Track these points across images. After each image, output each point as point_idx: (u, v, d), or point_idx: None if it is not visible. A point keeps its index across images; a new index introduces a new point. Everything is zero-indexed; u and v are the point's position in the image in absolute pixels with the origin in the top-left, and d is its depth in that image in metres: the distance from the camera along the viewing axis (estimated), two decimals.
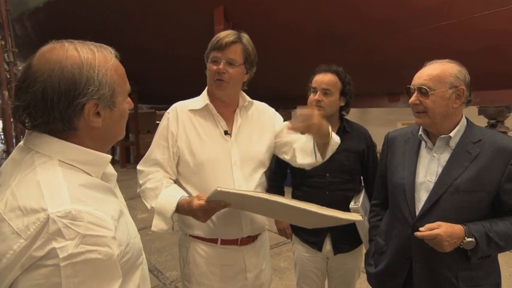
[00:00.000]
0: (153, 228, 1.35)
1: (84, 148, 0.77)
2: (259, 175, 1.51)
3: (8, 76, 5.53)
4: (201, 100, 1.49)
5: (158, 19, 5.87)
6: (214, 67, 1.40)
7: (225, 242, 1.46)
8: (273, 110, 1.64)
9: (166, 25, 5.88)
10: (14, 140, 4.98)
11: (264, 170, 1.56)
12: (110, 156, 0.83)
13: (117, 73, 0.79)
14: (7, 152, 4.83)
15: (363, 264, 1.78)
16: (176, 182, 1.49)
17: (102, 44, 0.81)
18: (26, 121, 0.74)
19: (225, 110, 1.49)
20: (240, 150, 1.47)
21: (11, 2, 6.72)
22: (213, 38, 1.41)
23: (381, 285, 1.52)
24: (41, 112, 0.71)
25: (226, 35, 1.39)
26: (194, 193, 1.42)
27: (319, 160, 1.46)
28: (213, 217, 1.38)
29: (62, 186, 0.69)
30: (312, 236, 1.90)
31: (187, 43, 5.58)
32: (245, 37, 1.43)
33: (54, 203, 0.65)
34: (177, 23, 5.67)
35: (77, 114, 0.73)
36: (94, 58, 0.75)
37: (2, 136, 5.85)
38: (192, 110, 1.48)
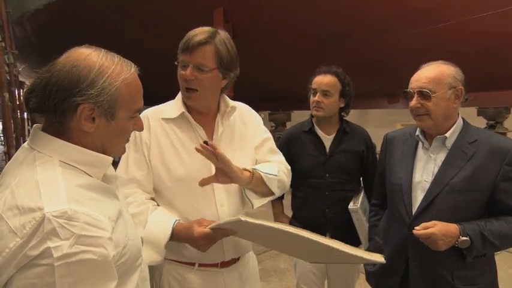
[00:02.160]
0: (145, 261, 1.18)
1: (86, 149, 0.78)
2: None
3: (8, 78, 5.54)
4: (176, 107, 1.30)
5: (158, 20, 5.89)
6: (182, 72, 1.22)
7: (203, 265, 1.28)
8: (255, 115, 1.46)
9: (165, 26, 5.89)
10: (14, 142, 4.99)
11: None
12: (111, 158, 0.84)
13: (127, 88, 0.79)
14: (8, 153, 4.83)
15: (361, 265, 1.79)
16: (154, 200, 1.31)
17: (127, 60, 0.82)
18: (29, 104, 0.76)
19: (203, 117, 1.32)
20: None
21: (10, 4, 6.73)
22: (185, 36, 1.23)
23: (379, 284, 1.53)
24: (38, 98, 0.74)
25: (195, 34, 1.20)
26: (174, 212, 1.26)
27: (255, 206, 1.31)
28: None
29: (60, 186, 0.70)
30: None
31: None
32: (220, 36, 1.22)
33: (50, 203, 0.66)
34: (177, 24, 5.67)
35: (70, 111, 0.74)
36: (109, 67, 0.76)
37: (2, 137, 5.85)
38: (165, 119, 1.30)
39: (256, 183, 1.27)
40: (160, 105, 1.37)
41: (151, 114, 1.32)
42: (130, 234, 0.83)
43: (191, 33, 1.22)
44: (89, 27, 6.53)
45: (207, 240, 1.15)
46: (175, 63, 1.26)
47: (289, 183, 1.45)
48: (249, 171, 1.25)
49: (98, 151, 0.81)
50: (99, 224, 0.69)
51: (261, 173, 1.27)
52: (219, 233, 1.15)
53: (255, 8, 4.79)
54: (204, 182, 1.19)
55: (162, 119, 1.30)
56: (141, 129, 0.88)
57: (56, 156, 0.75)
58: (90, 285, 0.67)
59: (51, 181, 0.70)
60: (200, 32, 1.21)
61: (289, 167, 1.46)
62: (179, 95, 1.34)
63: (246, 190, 1.29)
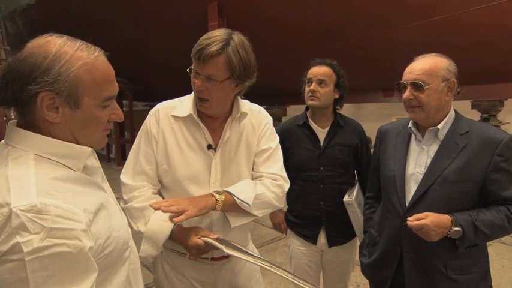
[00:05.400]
0: (141, 254, 1.18)
1: (61, 141, 0.76)
2: None
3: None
4: (187, 106, 1.30)
5: (152, 15, 5.84)
6: (194, 80, 1.21)
7: None
8: (266, 122, 1.40)
9: (160, 21, 5.85)
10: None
11: None
12: (89, 149, 0.82)
13: (89, 74, 0.75)
14: None
15: (356, 257, 1.81)
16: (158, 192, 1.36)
17: (92, 45, 0.78)
18: None
19: (213, 120, 1.31)
20: (223, 167, 1.30)
21: (2, 0, 6.64)
22: (198, 41, 1.19)
23: (374, 275, 1.55)
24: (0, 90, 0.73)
25: (208, 43, 1.14)
26: None
27: (233, 226, 1.28)
28: None
29: (30, 181, 0.68)
30: (306, 230, 1.92)
31: (181, 39, 5.54)
32: (234, 43, 1.16)
33: (19, 198, 0.65)
34: (172, 19, 5.64)
35: (31, 101, 0.72)
36: (67, 53, 0.73)
37: None
38: (175, 117, 1.30)
39: (227, 208, 1.24)
40: (175, 99, 1.36)
41: (163, 109, 1.32)
42: (115, 226, 0.82)
43: (204, 41, 1.16)
44: (82, 22, 6.45)
45: (198, 250, 1.18)
46: (188, 70, 1.23)
47: (283, 201, 1.38)
48: (215, 198, 1.20)
49: (70, 142, 0.78)
50: (72, 216, 0.68)
51: (235, 199, 1.23)
52: (211, 246, 1.16)
53: (249, 3, 4.76)
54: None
55: (171, 116, 1.30)
56: (119, 119, 0.84)
57: (31, 150, 0.74)
58: (67, 278, 0.66)
59: (21, 176, 0.69)
60: (214, 41, 1.15)
61: (281, 183, 1.36)
62: (193, 95, 1.32)
63: None
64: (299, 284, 1.03)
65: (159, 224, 1.23)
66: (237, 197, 1.23)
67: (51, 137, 0.76)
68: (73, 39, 0.77)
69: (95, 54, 0.77)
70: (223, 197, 1.22)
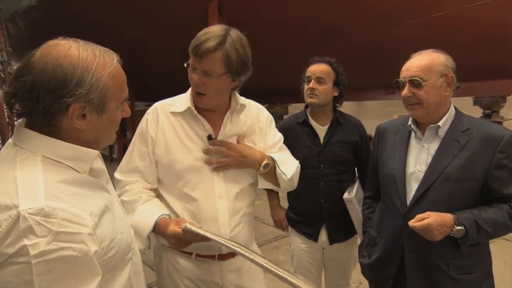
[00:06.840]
0: None
1: (69, 144, 0.77)
2: (245, 185, 1.34)
3: (3, 76, 5.51)
4: (185, 101, 1.32)
5: (152, 15, 5.84)
6: (192, 75, 1.23)
7: (200, 255, 1.32)
8: (267, 115, 1.46)
9: (160, 21, 5.85)
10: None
11: (253, 182, 1.40)
12: (96, 152, 0.83)
13: (113, 80, 0.78)
14: None
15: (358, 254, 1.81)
16: (156, 191, 1.37)
17: (108, 49, 0.80)
18: (14, 109, 0.75)
19: (212, 112, 1.33)
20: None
21: (3, 1, 6.66)
22: (196, 36, 1.21)
23: (375, 276, 1.53)
24: (26, 102, 0.72)
25: (205, 39, 1.17)
26: (174, 204, 1.31)
27: (260, 186, 1.41)
28: None
29: (38, 183, 0.69)
30: (307, 227, 1.92)
31: (181, 39, 5.54)
32: (230, 39, 1.19)
33: (27, 200, 0.65)
34: (172, 19, 5.64)
35: (61, 112, 0.73)
36: (92, 61, 0.74)
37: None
38: (173, 113, 1.32)
39: (267, 174, 1.34)
40: (171, 98, 1.39)
41: (161, 107, 1.35)
42: (119, 229, 0.82)
43: (202, 36, 1.19)
44: (82, 22, 6.47)
45: (177, 239, 1.16)
46: (185, 65, 1.26)
47: (297, 181, 1.47)
48: (262, 164, 1.31)
49: (90, 145, 0.80)
50: (79, 220, 0.68)
51: (277, 168, 1.34)
52: (190, 235, 1.14)
53: (250, 3, 4.76)
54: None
55: (170, 112, 1.33)
56: (128, 114, 0.87)
57: (38, 151, 0.74)
58: (72, 282, 0.66)
59: (29, 178, 0.69)
60: (211, 37, 1.17)
61: (299, 165, 1.48)
62: (190, 90, 1.34)
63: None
64: (288, 278, 0.94)
65: (144, 216, 1.23)
66: (278, 167, 1.34)
67: (73, 142, 0.77)
68: (89, 44, 0.78)
69: (115, 61, 0.79)
70: (270, 166, 1.32)
